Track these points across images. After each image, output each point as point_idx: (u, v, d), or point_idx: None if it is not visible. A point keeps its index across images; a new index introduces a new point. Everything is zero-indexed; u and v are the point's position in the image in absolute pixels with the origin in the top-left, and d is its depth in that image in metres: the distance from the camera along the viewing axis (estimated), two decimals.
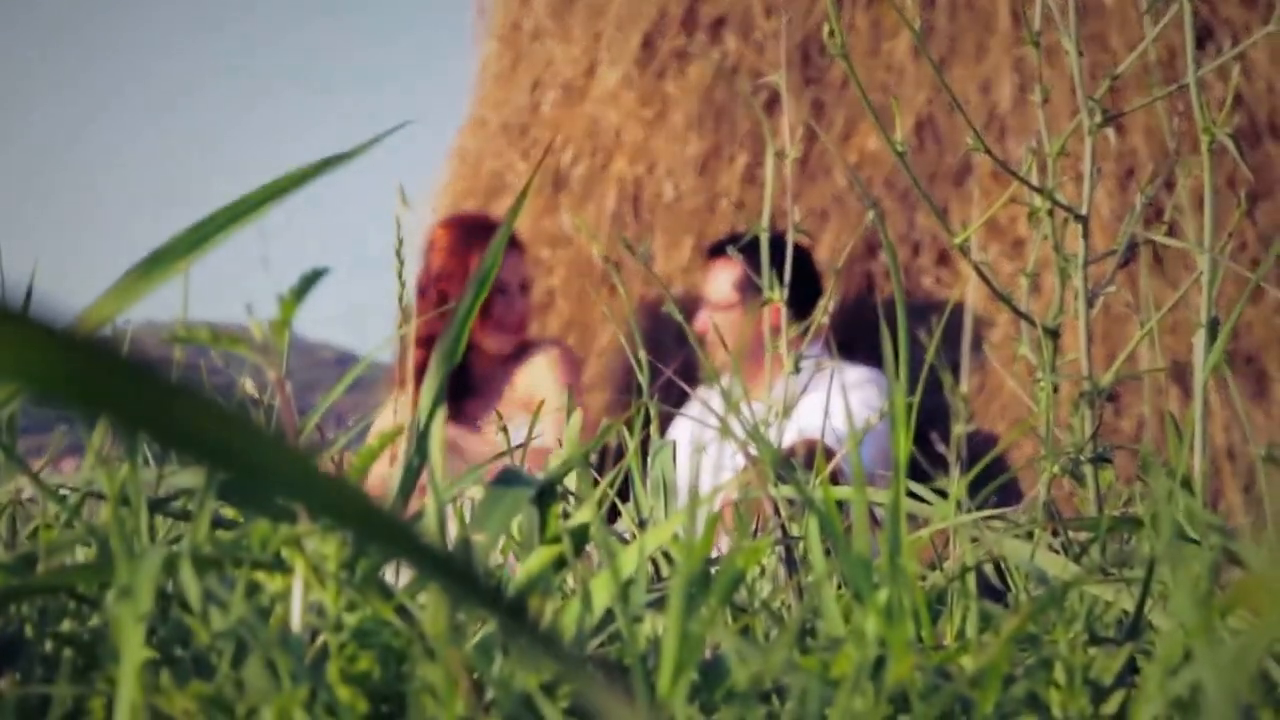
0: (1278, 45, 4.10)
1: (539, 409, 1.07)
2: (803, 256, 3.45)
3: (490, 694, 0.70)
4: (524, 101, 4.82)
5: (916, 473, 0.86)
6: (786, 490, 0.96)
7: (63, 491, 0.83)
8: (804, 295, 3.16)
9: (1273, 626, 0.39)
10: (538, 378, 3.54)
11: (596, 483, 0.92)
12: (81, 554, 0.91)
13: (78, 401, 0.30)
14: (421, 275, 3.59)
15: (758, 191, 4.37)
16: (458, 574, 0.38)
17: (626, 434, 1.00)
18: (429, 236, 3.69)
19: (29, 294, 0.80)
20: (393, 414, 3.10)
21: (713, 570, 0.77)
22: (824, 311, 2.17)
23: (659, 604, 0.80)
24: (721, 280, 3.71)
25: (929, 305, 3.95)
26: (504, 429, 1.11)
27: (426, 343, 3.21)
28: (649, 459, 1.02)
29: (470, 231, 3.65)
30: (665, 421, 3.25)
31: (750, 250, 1.26)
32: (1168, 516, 0.79)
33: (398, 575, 0.83)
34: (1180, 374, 3.57)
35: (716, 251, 3.75)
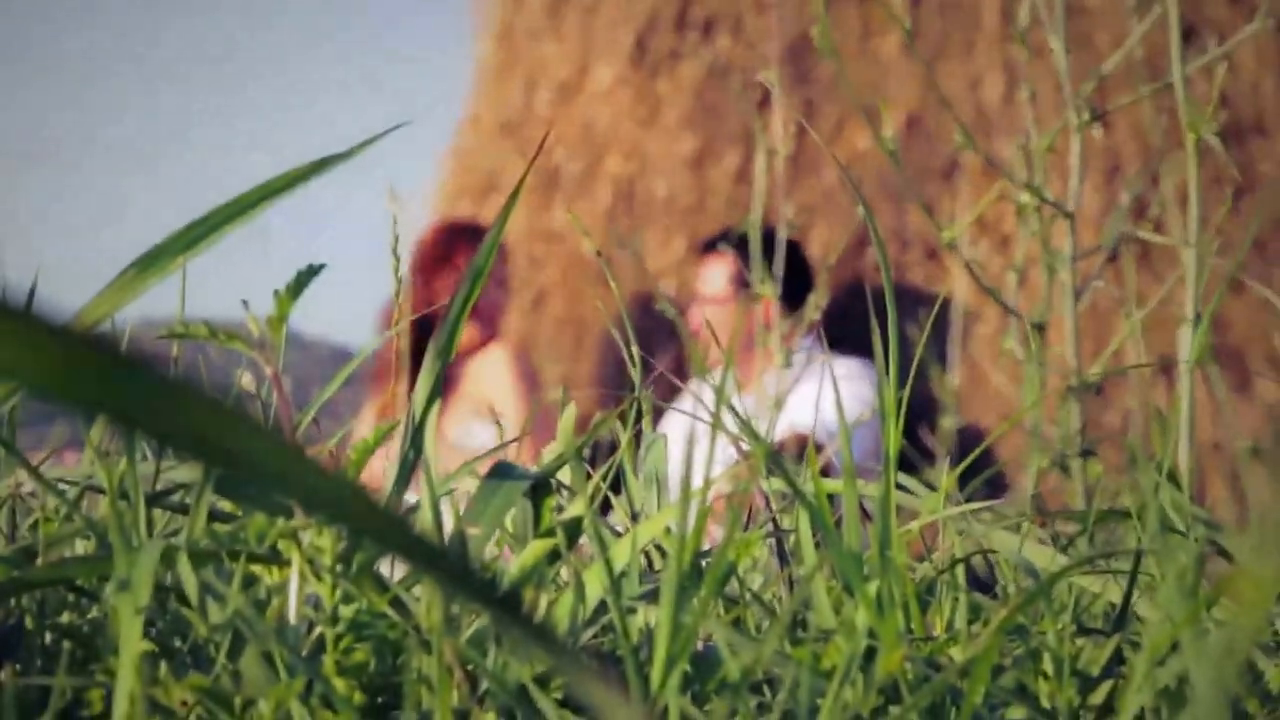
0: (1262, 44, 4.11)
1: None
2: (795, 249, 3.46)
3: (484, 686, 0.71)
4: (518, 100, 4.83)
5: (905, 465, 0.86)
6: (777, 483, 0.97)
7: (62, 485, 0.84)
8: (797, 287, 3.18)
9: (1259, 617, 0.40)
10: (491, 380, 3.54)
11: (589, 476, 0.93)
12: (80, 547, 0.91)
13: (75, 399, 0.30)
14: (408, 275, 3.61)
15: (749, 189, 4.38)
16: (452, 567, 0.39)
17: (619, 428, 1.01)
18: (416, 240, 3.72)
19: (30, 292, 0.81)
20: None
21: (704, 562, 0.78)
22: (816, 308, 2.18)
23: (652, 596, 0.81)
24: (716, 275, 3.72)
25: (918, 300, 3.96)
26: (498, 422, 1.12)
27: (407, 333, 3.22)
28: (641, 453, 1.03)
29: (453, 234, 3.70)
30: (658, 416, 3.25)
31: (744, 245, 1.27)
32: (1154, 509, 0.79)
33: (393, 568, 0.83)
34: (1167, 368, 3.58)
35: (710, 247, 3.77)
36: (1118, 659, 0.80)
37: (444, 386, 3.59)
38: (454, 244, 3.64)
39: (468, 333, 3.64)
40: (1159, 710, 0.72)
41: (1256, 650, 0.80)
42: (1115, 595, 0.86)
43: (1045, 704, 0.77)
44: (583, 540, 0.85)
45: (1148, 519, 0.81)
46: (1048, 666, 0.78)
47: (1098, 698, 0.78)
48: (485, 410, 3.43)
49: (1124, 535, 0.99)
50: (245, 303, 0.76)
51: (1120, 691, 0.77)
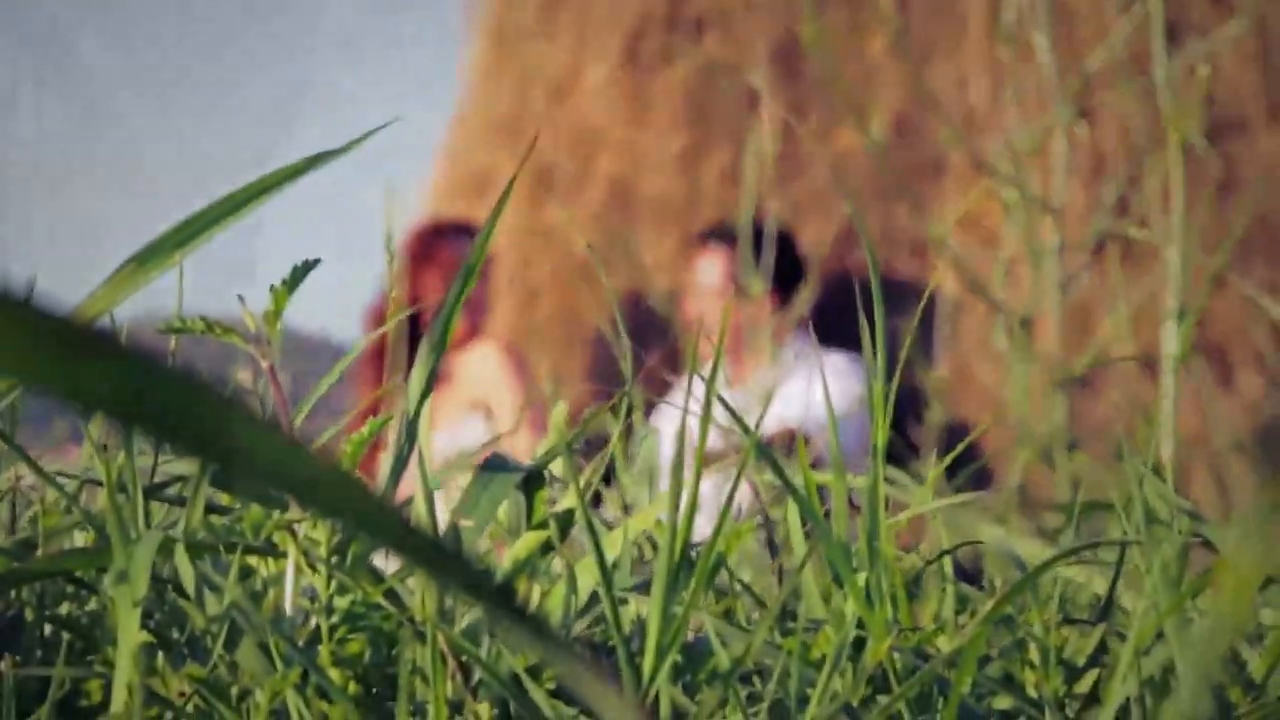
0: (1243, 43, 4.13)
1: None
2: (788, 240, 3.48)
3: (478, 676, 0.72)
4: (511, 99, 4.84)
5: (893, 458, 0.87)
6: (767, 475, 0.97)
7: (61, 479, 0.84)
8: (791, 277, 3.20)
9: (1243, 608, 0.41)
10: (484, 375, 3.54)
11: (581, 469, 0.93)
12: (79, 539, 0.92)
13: (73, 393, 0.31)
14: (396, 273, 3.62)
15: (740, 187, 4.40)
16: (446, 560, 0.39)
17: (611, 421, 1.02)
18: (404, 239, 3.73)
19: (29, 287, 0.82)
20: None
21: (695, 554, 0.79)
22: (805, 304, 2.19)
23: (643, 588, 0.81)
24: (711, 267, 3.73)
25: (906, 294, 3.97)
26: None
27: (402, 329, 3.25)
28: (633, 446, 1.04)
29: (435, 233, 3.73)
30: (650, 410, 3.27)
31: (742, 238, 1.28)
32: (1139, 500, 0.80)
33: (388, 559, 0.84)
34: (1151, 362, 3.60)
35: (707, 238, 3.78)
36: (1103, 649, 0.81)
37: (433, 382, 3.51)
38: (436, 243, 3.66)
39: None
40: (1143, 699, 0.73)
41: (1240, 639, 0.81)
42: (1101, 586, 0.87)
43: (1031, 693, 0.78)
44: (575, 532, 0.85)
45: (1132, 511, 0.82)
46: (1034, 656, 0.79)
47: (1083, 687, 0.79)
48: (480, 405, 3.44)
49: (1109, 527, 1.00)
50: (241, 298, 0.77)
51: (1105, 681, 0.78)
